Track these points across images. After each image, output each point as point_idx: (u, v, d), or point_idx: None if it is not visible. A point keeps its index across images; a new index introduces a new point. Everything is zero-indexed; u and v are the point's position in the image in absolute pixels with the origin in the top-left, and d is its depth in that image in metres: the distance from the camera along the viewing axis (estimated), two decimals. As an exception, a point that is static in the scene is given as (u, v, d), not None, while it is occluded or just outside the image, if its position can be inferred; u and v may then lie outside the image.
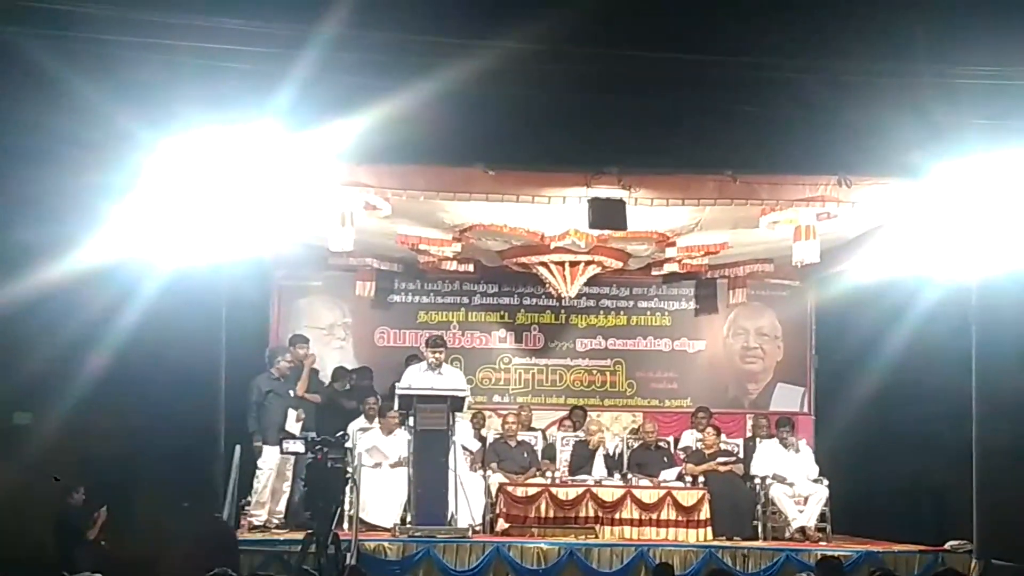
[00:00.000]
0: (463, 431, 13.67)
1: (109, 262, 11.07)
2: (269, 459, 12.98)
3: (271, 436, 12.97)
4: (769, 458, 14.24)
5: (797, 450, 14.35)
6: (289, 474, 13.21)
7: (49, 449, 12.36)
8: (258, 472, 12.96)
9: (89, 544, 12.11)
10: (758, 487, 14.04)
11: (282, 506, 13.20)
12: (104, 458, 12.90)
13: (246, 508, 12.92)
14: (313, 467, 10.87)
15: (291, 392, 13.35)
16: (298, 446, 12.11)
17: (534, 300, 16.48)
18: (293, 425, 13.08)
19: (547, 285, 14.44)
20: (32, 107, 10.09)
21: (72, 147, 10.25)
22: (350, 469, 11.70)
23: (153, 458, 12.84)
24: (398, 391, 12.96)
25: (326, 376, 14.87)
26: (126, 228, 10.89)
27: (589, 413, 15.86)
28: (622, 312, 16.76)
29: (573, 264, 14.00)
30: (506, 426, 14.66)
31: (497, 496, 13.35)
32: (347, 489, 11.56)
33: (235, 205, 10.94)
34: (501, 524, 13.14)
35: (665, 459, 14.57)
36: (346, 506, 11.73)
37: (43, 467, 12.34)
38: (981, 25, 10.96)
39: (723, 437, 14.79)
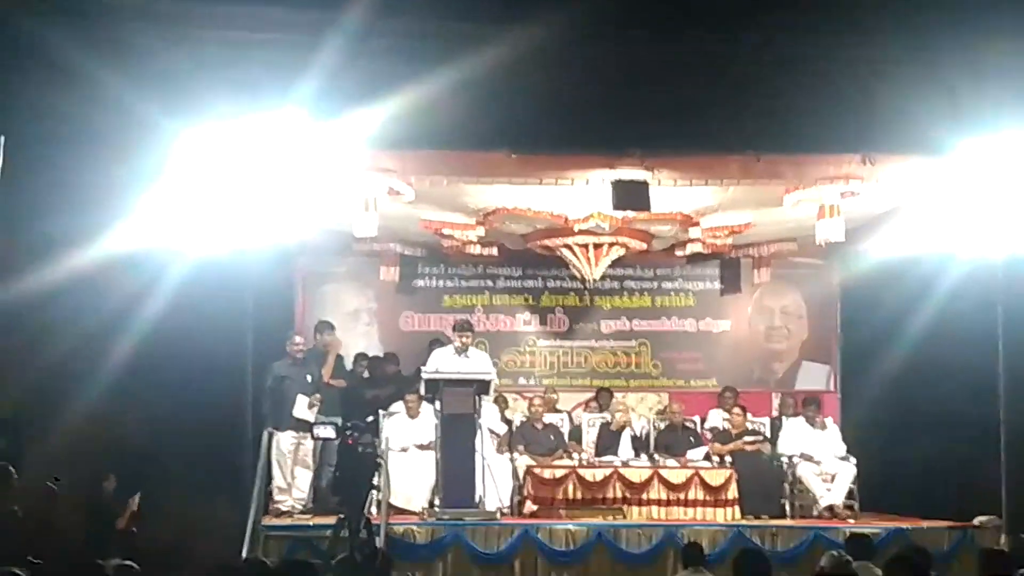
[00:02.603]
0: (489, 414, 13.68)
1: (135, 251, 11.12)
2: (283, 445, 13.01)
3: (283, 422, 13.00)
4: (796, 436, 14.24)
5: (824, 428, 14.35)
6: (307, 459, 13.24)
7: (78, 437, 12.40)
8: (274, 458, 12.99)
9: (119, 532, 12.16)
10: (785, 466, 14.03)
11: (303, 491, 13.23)
12: (133, 446, 12.95)
13: (272, 495, 12.97)
14: (344, 452, 10.90)
15: (308, 378, 13.30)
16: (329, 431, 12.14)
17: (558, 283, 16.49)
18: (304, 412, 13.04)
19: (571, 267, 14.41)
20: (57, 97, 10.14)
21: (97, 137, 10.29)
22: (380, 453, 11.74)
23: (181, 446, 12.89)
24: (424, 375, 12.97)
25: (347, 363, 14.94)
26: (152, 217, 10.93)
27: (615, 394, 15.87)
28: (646, 293, 16.76)
29: (597, 246, 13.97)
30: (532, 409, 14.69)
31: (524, 478, 13.39)
32: (377, 474, 11.60)
33: (260, 193, 10.95)
34: (529, 506, 13.18)
35: (692, 439, 14.59)
36: (375, 491, 11.76)
37: (72, 455, 12.39)
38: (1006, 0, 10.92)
39: (749, 416, 14.79)
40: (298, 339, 13.49)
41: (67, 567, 7.38)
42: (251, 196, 10.96)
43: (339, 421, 12.43)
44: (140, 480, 12.56)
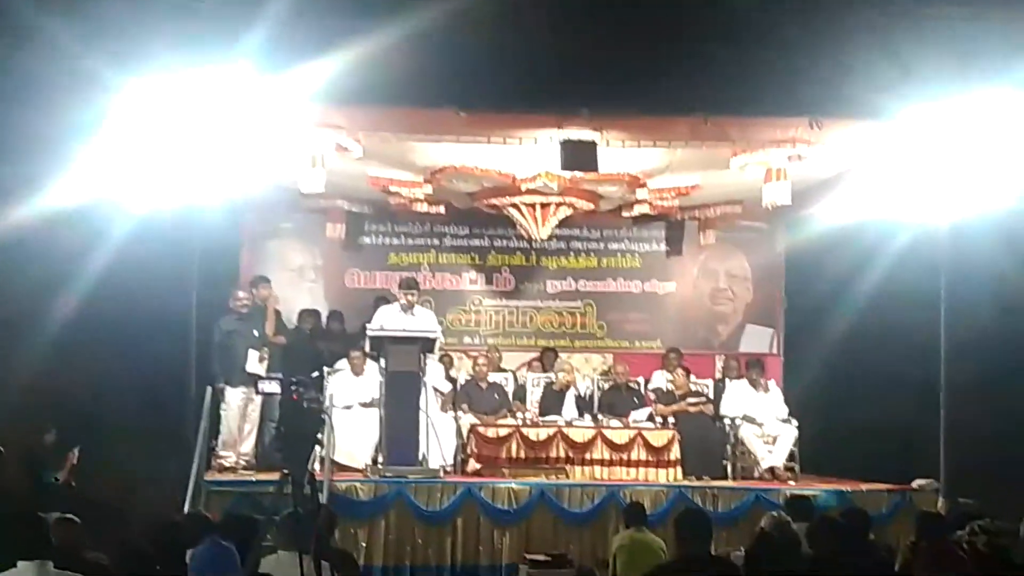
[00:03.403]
0: (434, 372, 13.68)
1: (80, 204, 11.01)
2: (232, 401, 12.99)
3: (233, 377, 12.97)
4: (739, 399, 14.32)
5: (766, 391, 14.44)
6: (254, 415, 13.23)
7: (20, 390, 12.32)
8: (223, 413, 12.95)
9: (60, 485, 12.11)
10: (728, 427, 14.13)
11: (248, 447, 13.22)
12: (75, 400, 12.88)
13: (215, 450, 12.93)
14: (288, 407, 10.85)
15: (255, 332, 13.28)
16: (273, 386, 12.05)
17: (505, 242, 16.48)
18: (255, 366, 13.03)
19: (518, 227, 14.38)
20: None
21: (39, 87, 10.16)
22: (325, 410, 11.70)
23: (124, 401, 12.83)
24: (369, 332, 12.95)
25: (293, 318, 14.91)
26: (96, 170, 10.82)
27: (560, 355, 15.91)
28: (593, 254, 16.78)
29: (544, 206, 13.94)
30: (476, 368, 14.70)
31: (468, 437, 13.42)
32: (322, 430, 11.55)
33: (205, 147, 10.86)
34: (472, 465, 13.21)
35: (635, 400, 14.64)
36: (320, 448, 11.74)
37: (14, 409, 12.30)
38: (952, -36, 10.98)
39: (693, 378, 14.84)
40: (241, 294, 13.42)
41: (7, 520, 7.31)
42: (197, 150, 10.86)
43: (283, 376, 12.40)
44: (82, 434, 12.51)
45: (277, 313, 14.25)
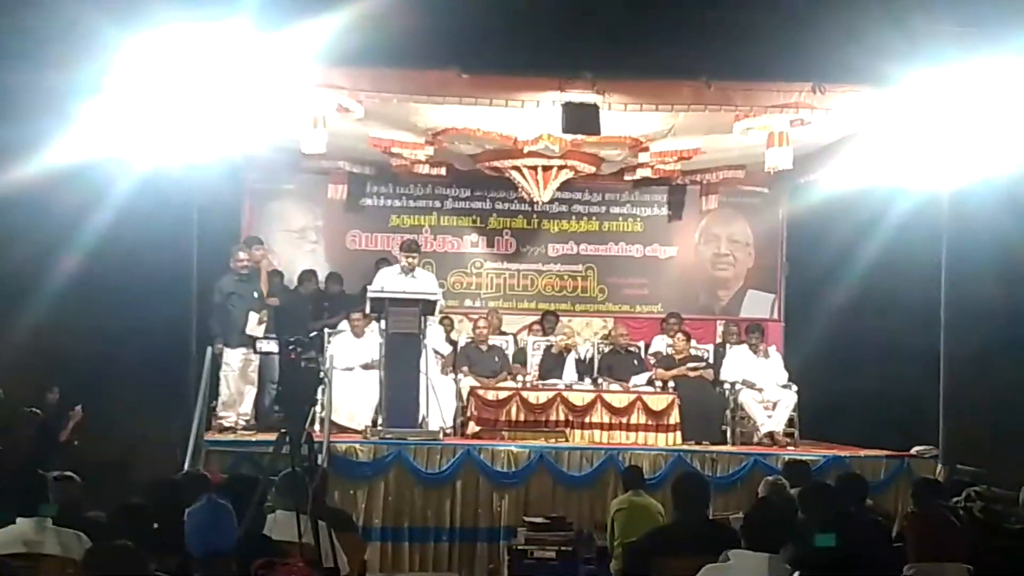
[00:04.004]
0: (434, 335, 13.69)
1: (81, 162, 10.97)
2: (232, 361, 13.02)
3: (233, 339, 13.01)
4: (738, 364, 14.34)
5: (766, 356, 14.46)
6: (254, 376, 13.26)
7: (23, 348, 12.33)
8: (222, 374, 12.98)
9: (62, 444, 12.14)
10: (727, 392, 14.16)
11: (248, 408, 13.25)
12: (77, 358, 12.90)
13: (215, 410, 12.95)
14: (286, 367, 10.87)
15: (255, 294, 13.29)
16: (271, 346, 12.13)
17: (506, 205, 16.48)
18: (255, 328, 13.05)
19: (520, 189, 14.37)
20: (-2, 3, 9.95)
21: (40, 45, 10.11)
22: (323, 370, 11.73)
23: (125, 359, 12.85)
24: (370, 294, 12.94)
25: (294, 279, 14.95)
26: (97, 128, 10.78)
27: (560, 318, 15.92)
28: (594, 218, 16.77)
29: (546, 168, 13.93)
30: (477, 330, 14.72)
31: (468, 399, 13.45)
32: (320, 390, 11.58)
33: (207, 106, 10.81)
34: (472, 427, 13.25)
35: (635, 364, 14.67)
36: (318, 408, 11.77)
37: (17, 367, 12.32)
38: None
39: (693, 343, 14.89)
40: (241, 255, 13.40)
41: (8, 477, 7.35)
42: (198, 109, 10.81)
43: (282, 336, 12.43)
44: (84, 393, 12.53)
45: (277, 274, 14.26)
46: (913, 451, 12.79)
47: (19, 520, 6.37)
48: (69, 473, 7.74)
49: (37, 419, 12.09)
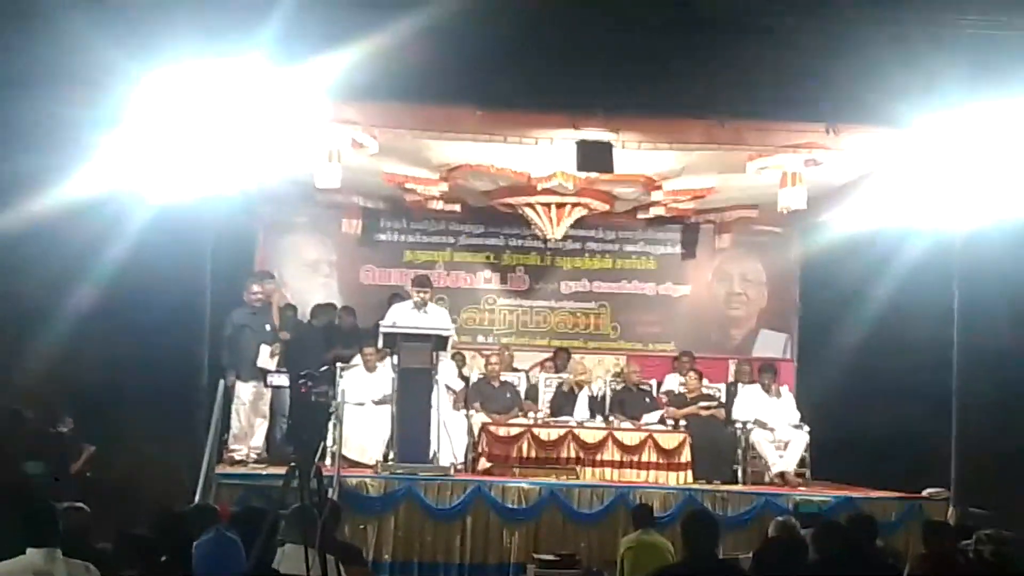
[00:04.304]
0: (446, 370, 13.68)
1: (96, 195, 11.00)
2: (243, 394, 13.02)
3: (244, 372, 13.01)
4: (751, 403, 14.32)
5: (778, 396, 14.43)
6: (265, 409, 13.25)
7: (37, 378, 12.35)
8: (234, 408, 12.98)
9: (73, 475, 12.14)
10: (739, 432, 14.12)
11: (259, 441, 13.24)
12: (90, 389, 12.90)
13: (227, 443, 12.96)
14: (297, 400, 10.87)
15: (267, 327, 13.29)
16: (282, 379, 12.12)
17: (520, 241, 16.52)
18: (267, 361, 13.05)
19: (533, 226, 14.42)
20: (16, 37, 10.01)
21: (58, 78, 10.17)
22: (334, 404, 11.73)
23: (137, 391, 12.84)
24: (382, 329, 12.94)
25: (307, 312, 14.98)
26: (113, 161, 10.84)
27: (573, 355, 15.91)
28: (607, 255, 16.82)
29: (559, 206, 13.98)
30: (489, 366, 14.71)
31: (480, 435, 13.44)
32: (330, 424, 11.59)
33: (222, 140, 10.87)
34: (483, 463, 13.24)
35: (647, 402, 14.64)
36: (329, 441, 11.77)
37: (30, 396, 12.34)
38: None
39: (705, 381, 14.87)
40: (255, 287, 13.41)
41: (19, 507, 7.36)
42: (213, 142, 10.87)
43: (294, 370, 12.43)
44: (96, 424, 12.54)
45: (290, 308, 14.29)
46: (925, 493, 12.73)
47: (29, 551, 6.37)
48: (79, 504, 7.75)
49: (49, 450, 12.09)
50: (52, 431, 12.33)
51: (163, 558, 6.45)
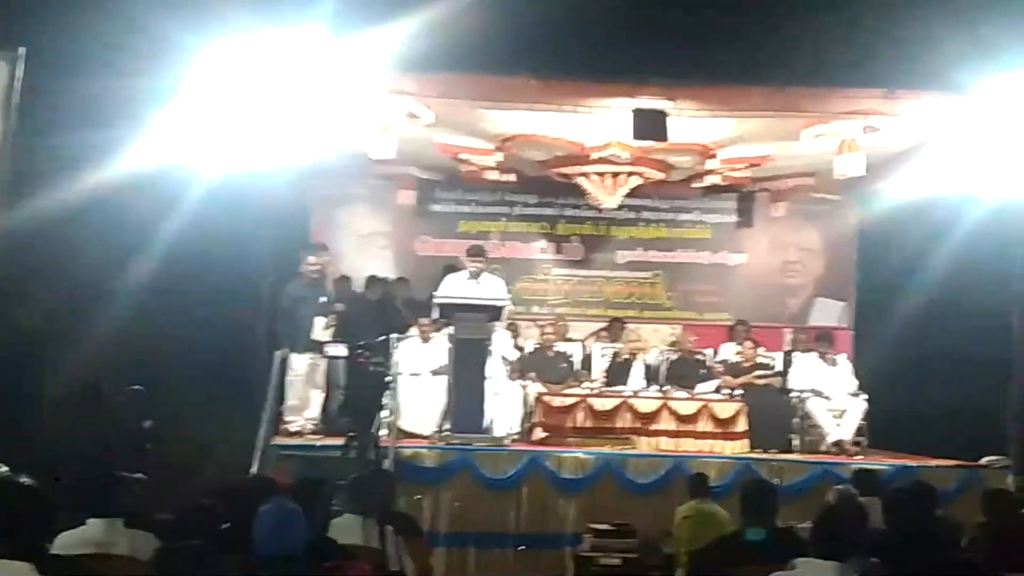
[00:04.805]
0: (501, 341, 13.67)
1: (155, 168, 11.10)
2: (298, 366, 13.06)
3: (299, 344, 13.04)
4: (807, 372, 14.24)
5: (835, 364, 14.33)
6: (321, 380, 13.30)
7: (99, 352, 12.46)
8: (289, 380, 13.04)
9: (133, 445, 12.24)
10: (795, 401, 14.04)
11: (315, 412, 13.29)
12: (150, 363, 13.01)
13: (283, 415, 13.03)
14: (354, 371, 10.88)
15: (322, 299, 13.30)
16: (340, 350, 12.15)
17: (575, 211, 16.48)
18: (321, 333, 13.08)
19: (588, 196, 14.38)
20: (76, 12, 10.09)
21: (116, 52, 10.25)
22: (390, 374, 11.77)
23: (195, 364, 12.94)
24: (437, 300, 12.94)
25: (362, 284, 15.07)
26: (171, 135, 10.91)
27: (627, 325, 15.89)
28: (663, 224, 16.76)
29: (614, 175, 13.94)
30: (544, 336, 14.70)
31: (535, 406, 13.41)
32: (387, 394, 11.63)
33: (278, 112, 10.91)
34: (538, 433, 13.22)
35: (703, 371, 14.59)
36: (385, 412, 11.80)
37: (92, 370, 12.45)
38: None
39: (761, 350, 14.79)
40: (311, 259, 13.39)
41: (80, 478, 7.43)
42: (270, 116, 10.92)
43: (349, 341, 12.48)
44: (154, 398, 12.64)
45: (344, 279, 14.33)
46: (983, 461, 12.64)
47: (90, 521, 6.45)
48: (139, 475, 7.82)
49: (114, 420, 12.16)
50: (122, 407, 12.41)
51: (225, 527, 6.50)
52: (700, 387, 14.16)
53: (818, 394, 13.87)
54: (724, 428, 13.33)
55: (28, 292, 12.03)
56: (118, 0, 9.86)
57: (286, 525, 5.36)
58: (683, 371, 14.58)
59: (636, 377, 14.35)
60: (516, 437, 13.08)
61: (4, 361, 11.23)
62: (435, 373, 13.29)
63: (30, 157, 10.95)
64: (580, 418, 13.25)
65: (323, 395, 13.39)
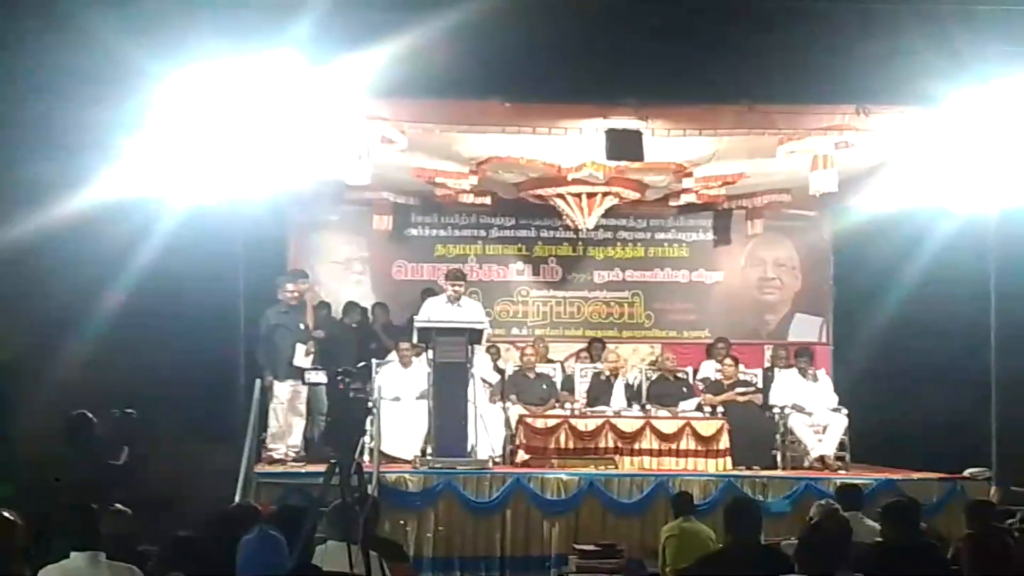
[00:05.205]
0: (482, 363, 13.67)
1: (125, 197, 11.04)
2: (280, 394, 13.01)
3: (280, 371, 12.98)
4: (788, 388, 14.26)
5: (816, 380, 14.36)
6: (303, 407, 13.24)
7: (71, 383, 12.37)
8: (272, 407, 12.99)
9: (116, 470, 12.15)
10: (777, 417, 14.05)
11: (297, 439, 13.24)
12: (126, 393, 12.92)
13: (265, 443, 12.97)
14: (335, 397, 10.84)
15: (301, 326, 13.26)
16: (320, 376, 12.11)
17: (551, 232, 16.50)
18: (302, 360, 13.04)
19: (564, 217, 14.39)
20: (42, 39, 10.04)
21: (84, 80, 10.19)
22: (371, 400, 11.73)
23: (174, 394, 12.87)
24: (417, 324, 12.94)
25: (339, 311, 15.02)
26: (141, 163, 10.85)
27: (607, 345, 15.88)
28: (640, 244, 16.78)
29: (590, 195, 13.94)
30: (524, 358, 14.72)
31: (517, 428, 13.42)
32: (369, 420, 11.58)
33: (252, 140, 10.87)
34: (521, 455, 13.22)
35: (684, 390, 14.60)
36: (367, 438, 11.76)
37: (65, 402, 12.36)
38: (1003, -51, 10.85)
39: (741, 367, 14.81)
40: (290, 286, 13.33)
41: (61, 512, 7.39)
42: (243, 143, 10.87)
43: (329, 367, 12.43)
44: (133, 428, 12.55)
45: (323, 305, 14.29)
46: (966, 473, 12.67)
47: (73, 554, 6.40)
48: (121, 507, 7.77)
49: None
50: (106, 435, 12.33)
51: (209, 559, 6.46)
52: (682, 405, 14.16)
53: (799, 410, 13.88)
54: (706, 446, 13.34)
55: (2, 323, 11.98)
56: (83, 25, 9.80)
57: (270, 553, 5.35)
58: (664, 390, 14.58)
59: (617, 396, 14.36)
60: (499, 460, 13.09)
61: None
62: (416, 398, 13.25)
63: (-4, 185, 10.91)
64: (563, 439, 13.24)
65: (304, 422, 13.34)
